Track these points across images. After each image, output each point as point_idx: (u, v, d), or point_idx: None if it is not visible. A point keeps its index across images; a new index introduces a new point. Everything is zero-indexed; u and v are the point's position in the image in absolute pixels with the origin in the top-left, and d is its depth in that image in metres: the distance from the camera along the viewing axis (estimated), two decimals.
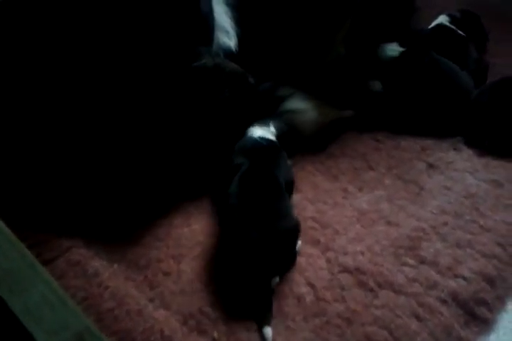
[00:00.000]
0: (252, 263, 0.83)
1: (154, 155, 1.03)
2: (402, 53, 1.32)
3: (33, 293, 0.44)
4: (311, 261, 0.91)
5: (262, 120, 1.10)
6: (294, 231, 0.88)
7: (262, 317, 0.81)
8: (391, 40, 1.38)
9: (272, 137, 1.06)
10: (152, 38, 0.98)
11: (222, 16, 1.18)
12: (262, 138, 1.04)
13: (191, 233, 0.96)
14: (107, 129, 1.00)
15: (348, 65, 1.26)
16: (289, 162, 1.06)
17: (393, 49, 1.37)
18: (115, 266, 0.90)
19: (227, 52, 1.18)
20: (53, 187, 1.00)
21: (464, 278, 0.86)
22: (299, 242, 0.92)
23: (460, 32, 1.44)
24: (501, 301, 0.85)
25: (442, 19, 1.51)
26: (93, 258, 0.90)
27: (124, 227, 0.98)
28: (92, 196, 1.00)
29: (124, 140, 1.01)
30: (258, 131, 1.06)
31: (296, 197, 1.04)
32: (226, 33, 1.19)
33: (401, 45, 1.38)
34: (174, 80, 1.00)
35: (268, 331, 0.78)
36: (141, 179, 1.01)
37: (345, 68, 1.25)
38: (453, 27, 1.46)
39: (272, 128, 1.08)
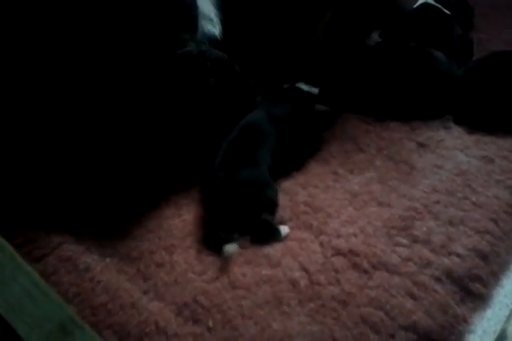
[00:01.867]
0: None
1: (142, 146, 1.01)
2: (377, 44, 1.32)
3: (14, 286, 0.43)
4: (304, 246, 0.90)
5: None
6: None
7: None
8: (376, 27, 1.36)
9: None
10: (136, 26, 0.97)
11: (206, 4, 1.17)
12: None
13: (182, 223, 0.96)
14: (93, 120, 0.99)
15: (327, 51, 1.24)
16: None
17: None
18: (107, 259, 0.90)
19: (212, 40, 1.16)
20: (41, 183, 0.99)
21: (458, 255, 0.85)
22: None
23: (445, 10, 1.43)
24: (496, 276, 0.85)
25: None
26: (84, 253, 0.90)
27: (114, 220, 0.97)
28: (80, 190, 1.00)
29: (111, 130, 1.00)
30: None
31: (287, 182, 1.04)
32: (210, 21, 1.17)
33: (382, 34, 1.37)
34: (159, 68, 0.99)
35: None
36: (130, 171, 1.00)
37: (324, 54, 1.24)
38: (438, 5, 1.44)
39: None
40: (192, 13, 1.10)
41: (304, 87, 1.14)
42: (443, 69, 1.21)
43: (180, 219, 0.97)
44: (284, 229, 0.92)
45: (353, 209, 0.97)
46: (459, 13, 1.46)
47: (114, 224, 0.96)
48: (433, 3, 1.46)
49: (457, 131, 1.14)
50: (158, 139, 1.02)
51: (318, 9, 1.26)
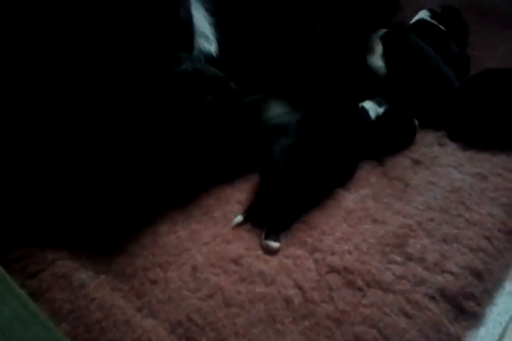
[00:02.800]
0: None
1: (137, 161, 1.02)
2: (384, 34, 1.32)
3: (5, 310, 0.43)
4: (298, 263, 0.90)
5: None
6: None
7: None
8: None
9: None
10: (132, 43, 0.98)
11: (202, 22, 1.18)
12: None
13: (177, 240, 0.96)
14: (87, 135, 0.99)
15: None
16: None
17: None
18: (101, 276, 0.89)
19: (208, 57, 1.18)
20: (37, 198, 0.99)
21: (452, 273, 0.86)
22: None
23: (441, 26, 1.44)
24: (489, 294, 0.85)
25: (423, 14, 1.52)
26: (78, 270, 0.89)
27: (109, 237, 0.97)
28: (76, 206, 1.00)
29: (107, 145, 1.00)
30: None
31: None
32: (206, 39, 1.19)
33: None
34: (155, 85, 1.00)
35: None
36: (125, 187, 1.00)
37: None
38: (434, 22, 1.46)
39: None
40: (188, 31, 1.12)
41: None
42: (449, 77, 1.24)
43: (176, 236, 0.97)
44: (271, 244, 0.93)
45: (347, 226, 0.97)
46: (454, 30, 1.48)
47: (109, 240, 0.96)
48: (429, 19, 1.48)
49: (451, 147, 1.14)
50: (153, 155, 1.03)
51: (310, 25, 1.27)
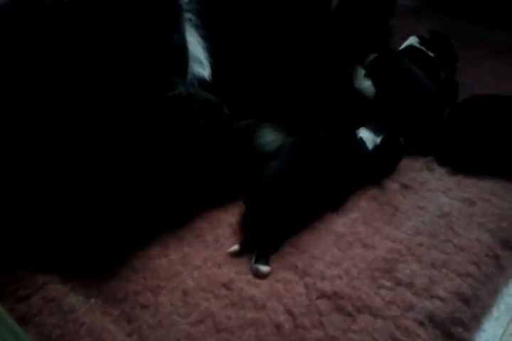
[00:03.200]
0: None
1: (130, 184, 1.02)
2: (375, 58, 1.35)
3: None
4: (289, 288, 0.91)
5: None
6: None
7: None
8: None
9: None
10: (128, 68, 1.00)
11: (196, 47, 1.20)
12: None
13: (169, 263, 0.96)
14: (81, 157, 1.00)
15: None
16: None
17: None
18: (92, 300, 0.89)
19: (202, 82, 1.20)
20: (28, 222, 0.99)
21: (440, 299, 0.87)
22: None
23: (430, 53, 1.48)
24: (477, 320, 0.86)
25: (412, 40, 1.55)
26: (69, 294, 0.89)
27: (100, 260, 0.97)
28: (67, 229, 1.00)
29: (99, 168, 1.01)
30: None
31: None
32: (200, 63, 1.21)
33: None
34: (150, 109, 1.01)
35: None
36: (116, 209, 1.01)
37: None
38: (423, 48, 1.49)
39: None
40: (183, 56, 1.14)
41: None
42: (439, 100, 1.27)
43: (167, 259, 0.97)
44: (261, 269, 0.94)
45: (338, 250, 0.98)
46: (443, 56, 1.51)
47: (101, 263, 0.97)
48: (418, 46, 1.51)
49: (440, 172, 1.16)
50: (146, 177, 1.03)
51: (304, 51, 1.30)
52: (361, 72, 1.30)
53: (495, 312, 0.89)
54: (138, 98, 1.00)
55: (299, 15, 1.25)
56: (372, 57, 1.34)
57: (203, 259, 0.97)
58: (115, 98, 0.97)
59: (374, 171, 1.15)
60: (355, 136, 1.15)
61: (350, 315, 0.85)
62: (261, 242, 0.97)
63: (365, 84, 1.29)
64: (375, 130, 1.16)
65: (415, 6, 1.99)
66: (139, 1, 1.03)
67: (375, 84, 1.29)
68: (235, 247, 0.98)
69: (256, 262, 0.94)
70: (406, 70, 1.32)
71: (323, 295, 0.89)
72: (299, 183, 1.01)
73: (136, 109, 0.99)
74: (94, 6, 1.00)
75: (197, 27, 1.19)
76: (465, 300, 0.87)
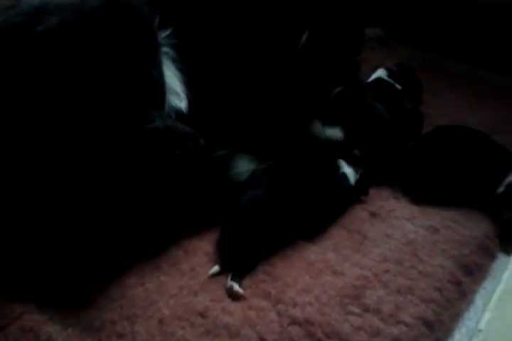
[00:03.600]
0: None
1: (106, 214, 1.05)
2: (340, 91, 1.40)
3: None
4: (262, 315, 0.94)
5: None
6: None
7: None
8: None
9: None
10: (105, 102, 1.04)
11: (173, 79, 1.25)
12: None
13: (145, 292, 0.98)
14: (56, 191, 1.02)
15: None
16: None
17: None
18: (69, 330, 0.91)
19: (179, 114, 1.24)
20: (5, 252, 1.01)
21: (405, 324, 0.91)
22: None
23: (397, 85, 1.55)
24: None
25: (380, 73, 1.63)
26: (46, 324, 0.91)
27: (77, 289, 0.99)
28: (44, 259, 1.01)
29: (74, 200, 1.03)
30: None
31: None
32: (177, 96, 1.26)
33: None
34: (127, 142, 1.05)
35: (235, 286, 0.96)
36: (93, 240, 1.03)
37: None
38: (391, 80, 1.57)
39: None
40: (160, 89, 1.18)
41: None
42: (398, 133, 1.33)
43: (143, 288, 0.99)
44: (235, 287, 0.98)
45: (309, 277, 1.02)
46: (409, 89, 1.59)
47: (78, 292, 0.98)
48: (386, 78, 1.59)
49: (405, 201, 1.22)
50: (122, 207, 1.06)
51: (274, 85, 1.36)
52: (319, 124, 1.35)
53: (456, 335, 0.94)
54: (116, 131, 1.03)
55: (269, 50, 1.32)
56: (337, 90, 1.40)
57: (178, 288, 0.99)
58: (93, 132, 1.01)
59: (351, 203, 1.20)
60: (337, 168, 1.19)
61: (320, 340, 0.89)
62: (237, 263, 1.01)
63: (331, 132, 1.34)
64: (354, 165, 1.22)
65: (384, 38, 2.08)
66: (119, 37, 1.08)
67: (339, 116, 1.35)
68: (216, 268, 1.02)
69: (231, 279, 0.98)
70: (368, 104, 1.38)
71: (294, 321, 0.92)
72: (276, 210, 1.06)
73: (114, 142, 1.03)
74: (76, 40, 1.04)
75: (174, 60, 1.24)
76: (429, 325, 0.92)
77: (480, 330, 0.78)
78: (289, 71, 1.31)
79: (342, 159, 1.22)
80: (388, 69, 1.65)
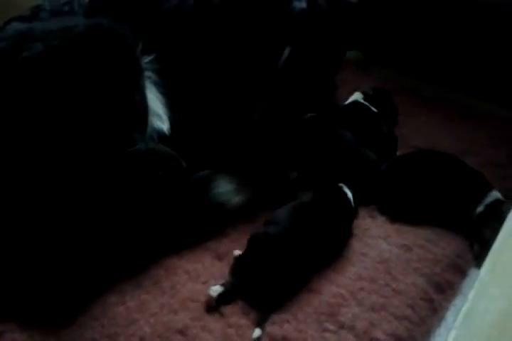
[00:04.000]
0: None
1: (87, 233, 1.07)
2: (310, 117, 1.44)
3: None
4: (240, 333, 0.96)
5: None
6: None
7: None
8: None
9: None
10: (89, 126, 1.07)
11: (156, 102, 1.29)
12: None
13: (126, 311, 1.00)
14: (38, 210, 1.04)
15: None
16: None
17: None
18: None
19: (161, 135, 1.28)
20: None
21: None
22: None
23: (373, 108, 1.60)
24: None
25: (357, 96, 1.67)
26: None
27: (58, 308, 1.00)
28: (23, 278, 1.02)
29: (56, 220, 1.05)
30: None
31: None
32: (159, 118, 1.29)
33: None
34: (110, 165, 1.08)
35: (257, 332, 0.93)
36: (73, 259, 1.05)
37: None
38: (367, 104, 1.62)
39: None
40: (143, 113, 1.22)
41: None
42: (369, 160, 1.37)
43: (124, 306, 1.01)
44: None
45: None
46: (385, 111, 1.64)
47: (59, 311, 0.99)
48: (362, 101, 1.64)
49: (381, 220, 1.26)
50: (103, 226, 1.08)
51: (252, 107, 1.40)
52: None
53: None
54: (99, 154, 1.06)
55: (249, 67, 1.36)
56: (309, 115, 1.45)
57: (159, 306, 1.01)
58: (76, 154, 1.04)
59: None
60: (345, 194, 1.21)
61: None
62: (265, 302, 1.01)
63: None
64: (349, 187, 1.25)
65: (363, 61, 2.13)
66: (103, 62, 1.12)
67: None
68: (257, 332, 0.95)
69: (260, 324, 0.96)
70: (335, 132, 1.41)
71: (272, 338, 0.95)
72: (301, 246, 1.06)
73: (97, 164, 1.06)
74: (61, 66, 1.08)
75: (156, 84, 1.28)
76: None
77: None
78: (270, 87, 1.35)
79: (341, 183, 1.24)
80: (364, 93, 1.69)
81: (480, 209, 1.22)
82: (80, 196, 1.03)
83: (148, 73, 1.25)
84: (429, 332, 1.01)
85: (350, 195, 1.22)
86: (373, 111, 1.59)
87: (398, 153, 1.47)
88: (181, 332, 0.96)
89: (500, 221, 1.06)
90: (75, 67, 1.08)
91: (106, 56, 1.13)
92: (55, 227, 1.04)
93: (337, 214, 1.16)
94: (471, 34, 1.83)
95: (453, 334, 0.79)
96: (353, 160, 1.33)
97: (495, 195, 1.24)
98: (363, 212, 1.29)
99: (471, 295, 0.85)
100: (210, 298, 1.00)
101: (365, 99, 1.65)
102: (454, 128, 1.64)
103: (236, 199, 1.23)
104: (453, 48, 1.91)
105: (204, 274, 1.09)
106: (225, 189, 1.20)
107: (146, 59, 1.23)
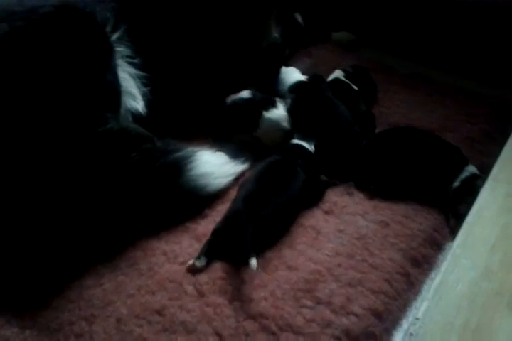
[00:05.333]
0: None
1: (62, 215, 1.06)
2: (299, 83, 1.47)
3: None
4: (218, 311, 0.97)
5: None
6: None
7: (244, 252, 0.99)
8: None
9: None
10: (56, 106, 1.05)
11: (129, 82, 1.27)
12: None
13: (103, 293, 1.00)
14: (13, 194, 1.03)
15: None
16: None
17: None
18: (26, 332, 0.92)
19: (136, 115, 1.26)
20: None
21: (356, 315, 0.95)
22: None
23: (353, 86, 1.60)
24: (388, 333, 0.95)
25: (338, 74, 1.67)
26: (3, 327, 0.92)
27: (35, 291, 0.99)
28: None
29: (30, 202, 1.04)
30: None
31: None
32: (133, 97, 1.28)
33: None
34: (80, 144, 1.06)
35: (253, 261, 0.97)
36: (50, 241, 1.04)
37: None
38: (347, 81, 1.61)
39: None
40: (115, 92, 1.20)
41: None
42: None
43: (101, 288, 1.01)
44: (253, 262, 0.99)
45: (265, 273, 1.05)
46: (365, 89, 1.64)
47: (35, 295, 0.99)
48: (343, 79, 1.63)
49: (359, 197, 1.27)
50: (78, 208, 1.07)
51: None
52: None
53: (404, 324, 0.98)
54: (70, 133, 1.04)
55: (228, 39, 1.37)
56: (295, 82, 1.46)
57: (136, 287, 1.01)
58: (47, 134, 1.02)
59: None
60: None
61: (274, 333, 0.92)
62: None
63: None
64: (306, 139, 1.30)
65: (353, 42, 2.12)
66: (70, 43, 1.09)
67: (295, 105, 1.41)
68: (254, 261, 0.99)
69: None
70: (329, 99, 1.43)
71: (249, 316, 0.95)
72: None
73: (66, 144, 1.04)
74: (27, 46, 1.05)
75: (128, 57, 1.26)
76: (378, 315, 0.96)
77: (417, 319, 0.83)
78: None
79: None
80: (345, 71, 1.69)
81: (456, 184, 1.23)
82: (52, 177, 1.02)
83: (120, 48, 1.22)
84: (405, 305, 1.02)
85: (310, 149, 1.30)
86: (354, 88, 1.58)
87: (377, 131, 1.47)
88: (159, 312, 0.96)
89: (475, 196, 1.06)
90: (41, 47, 1.06)
91: (73, 36, 1.10)
92: (28, 210, 1.03)
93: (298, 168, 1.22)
94: (448, 11, 1.83)
95: (425, 305, 0.80)
96: (344, 132, 1.35)
97: (471, 169, 1.25)
98: (340, 189, 1.29)
99: (444, 267, 0.86)
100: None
101: (345, 76, 1.65)
102: (431, 105, 1.65)
103: (214, 182, 1.22)
104: (429, 26, 1.91)
105: (182, 255, 1.09)
106: (202, 171, 1.19)
107: (118, 34, 1.20)
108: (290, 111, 1.41)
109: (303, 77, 1.58)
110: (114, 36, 1.22)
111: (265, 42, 1.58)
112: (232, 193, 1.23)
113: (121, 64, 1.25)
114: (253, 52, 1.50)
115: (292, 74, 1.60)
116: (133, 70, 1.28)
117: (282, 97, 1.47)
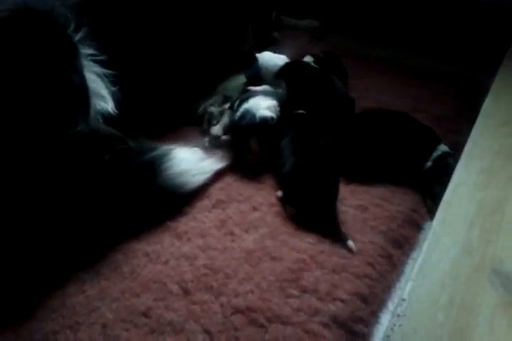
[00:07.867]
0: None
1: (42, 222, 1.03)
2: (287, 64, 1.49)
3: None
4: (205, 308, 0.96)
5: None
6: None
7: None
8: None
9: None
10: (25, 112, 1.02)
11: (98, 83, 1.24)
12: None
13: (86, 299, 0.98)
14: None
15: None
16: None
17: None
18: None
19: (106, 116, 1.24)
20: None
21: (342, 301, 0.96)
22: None
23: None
24: (375, 315, 0.96)
25: (308, 59, 1.68)
26: None
27: (16, 303, 0.97)
28: None
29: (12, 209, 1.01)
30: None
31: (187, 247, 1.10)
32: (102, 98, 1.25)
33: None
34: (50, 148, 1.04)
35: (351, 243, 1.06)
36: (30, 249, 1.01)
37: None
38: (317, 66, 1.61)
39: None
40: (83, 94, 1.17)
41: None
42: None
43: (84, 295, 0.99)
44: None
45: (249, 266, 1.05)
46: (336, 74, 1.64)
47: (16, 306, 0.97)
48: (313, 64, 1.63)
49: None
50: (60, 214, 1.05)
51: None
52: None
53: (390, 305, 0.99)
54: (39, 138, 1.02)
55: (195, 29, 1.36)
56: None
57: (120, 291, 1.00)
58: (15, 139, 0.99)
59: None
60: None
61: (262, 326, 0.92)
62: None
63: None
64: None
65: (320, 30, 2.12)
66: (30, 46, 1.06)
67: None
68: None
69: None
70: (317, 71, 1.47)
71: (237, 310, 0.95)
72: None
73: (38, 149, 1.02)
74: None
75: (94, 55, 1.23)
76: (364, 299, 0.97)
77: (403, 299, 0.83)
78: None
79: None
80: (315, 56, 1.70)
81: (429, 163, 1.24)
82: (24, 184, 0.99)
83: (85, 49, 1.19)
84: (390, 287, 1.03)
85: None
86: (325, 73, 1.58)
87: None
88: (145, 314, 0.95)
89: (448, 174, 1.07)
90: (1, 54, 1.03)
91: (34, 40, 1.07)
92: (3, 219, 1.00)
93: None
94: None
95: (409, 285, 0.80)
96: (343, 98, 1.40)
97: (442, 148, 1.26)
98: None
99: (425, 246, 0.86)
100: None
101: (315, 62, 1.65)
102: (401, 87, 1.67)
103: (193, 179, 1.21)
104: (397, 9, 1.92)
105: (164, 254, 1.08)
106: (177, 170, 1.17)
107: (82, 32, 1.17)
108: (289, 89, 1.42)
109: (282, 57, 1.57)
110: (78, 35, 1.19)
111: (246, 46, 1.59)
112: (211, 190, 1.23)
113: (88, 64, 1.22)
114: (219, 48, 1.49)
115: (271, 58, 1.58)
116: (100, 69, 1.25)
117: (270, 84, 1.49)
